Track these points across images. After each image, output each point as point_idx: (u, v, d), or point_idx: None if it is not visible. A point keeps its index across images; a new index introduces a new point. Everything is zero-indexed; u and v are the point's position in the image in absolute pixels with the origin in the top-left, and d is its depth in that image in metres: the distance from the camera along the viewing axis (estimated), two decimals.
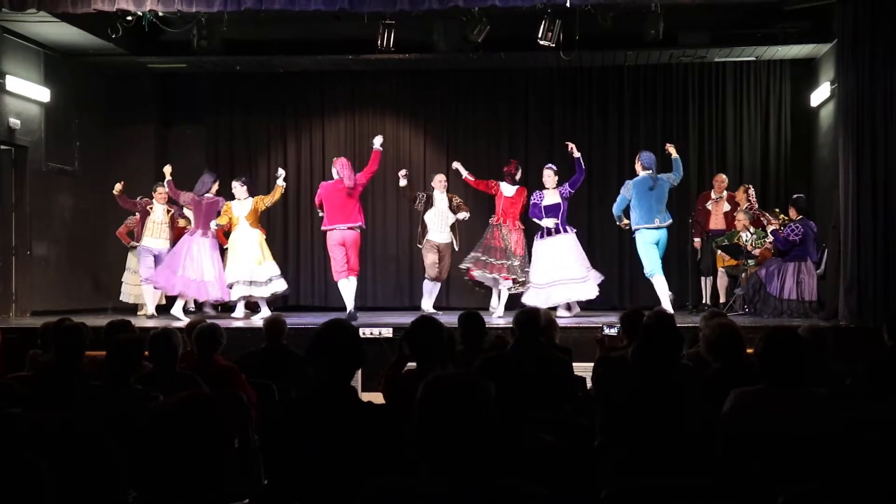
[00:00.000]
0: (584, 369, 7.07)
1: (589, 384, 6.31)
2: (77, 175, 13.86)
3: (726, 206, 12.85)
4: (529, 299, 11.41)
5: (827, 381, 5.15)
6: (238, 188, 12.28)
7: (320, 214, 12.04)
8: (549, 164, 12.21)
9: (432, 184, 12.48)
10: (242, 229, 12.10)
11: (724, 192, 12.94)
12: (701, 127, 14.39)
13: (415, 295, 14.16)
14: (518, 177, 12.21)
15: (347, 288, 11.77)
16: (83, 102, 14.06)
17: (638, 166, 11.51)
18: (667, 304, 11.07)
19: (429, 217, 12.35)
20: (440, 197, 12.37)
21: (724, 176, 13.16)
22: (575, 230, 12.07)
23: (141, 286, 12.81)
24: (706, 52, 13.36)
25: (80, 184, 13.91)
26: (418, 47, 12.93)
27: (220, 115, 15.11)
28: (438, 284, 12.50)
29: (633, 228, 11.50)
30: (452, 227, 12.43)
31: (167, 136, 15.23)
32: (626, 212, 11.64)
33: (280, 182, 12.27)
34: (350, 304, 11.71)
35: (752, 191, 12.86)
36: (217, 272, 12.00)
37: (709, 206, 12.94)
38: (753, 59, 13.73)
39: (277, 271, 12.18)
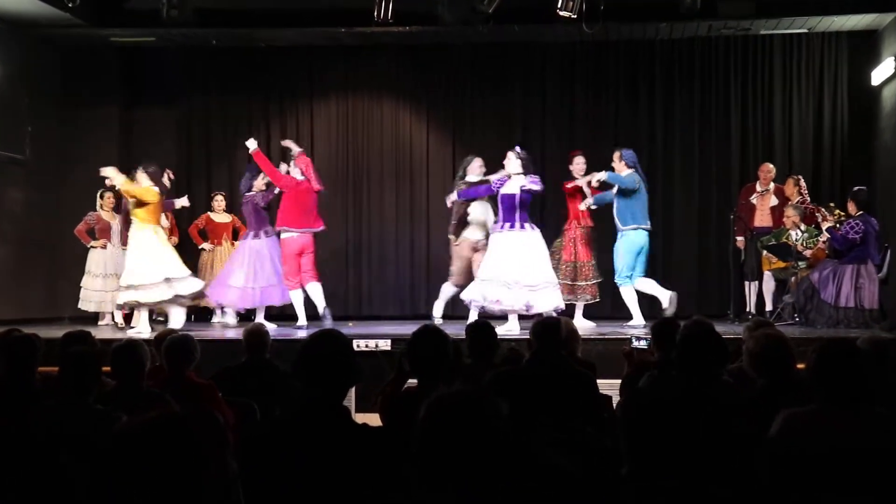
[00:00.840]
0: (609, 386, 7.05)
1: (615, 403, 6.31)
2: (28, 164, 13.87)
3: (773, 201, 12.84)
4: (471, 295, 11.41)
5: (890, 399, 5.14)
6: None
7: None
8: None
9: (468, 169, 12.30)
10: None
11: (771, 185, 12.93)
12: (744, 110, 14.38)
13: (416, 301, 14.19)
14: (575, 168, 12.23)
15: (317, 291, 12.19)
16: (35, 81, 14.07)
17: (621, 164, 11.61)
18: (638, 318, 11.49)
19: (475, 210, 12.15)
20: None
21: (770, 165, 13.14)
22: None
23: (103, 292, 12.88)
24: (750, 24, 13.36)
25: (32, 174, 13.93)
26: (421, 19, 12.95)
27: (193, 96, 15.13)
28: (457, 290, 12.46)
29: (622, 228, 11.59)
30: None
31: (133, 119, 15.24)
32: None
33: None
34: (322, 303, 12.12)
35: (803, 182, 12.84)
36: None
37: (753, 200, 12.93)
38: (805, 31, 13.73)
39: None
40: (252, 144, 12.16)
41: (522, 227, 11.32)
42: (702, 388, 4.29)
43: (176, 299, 11.73)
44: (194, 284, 11.91)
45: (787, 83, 14.33)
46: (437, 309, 12.41)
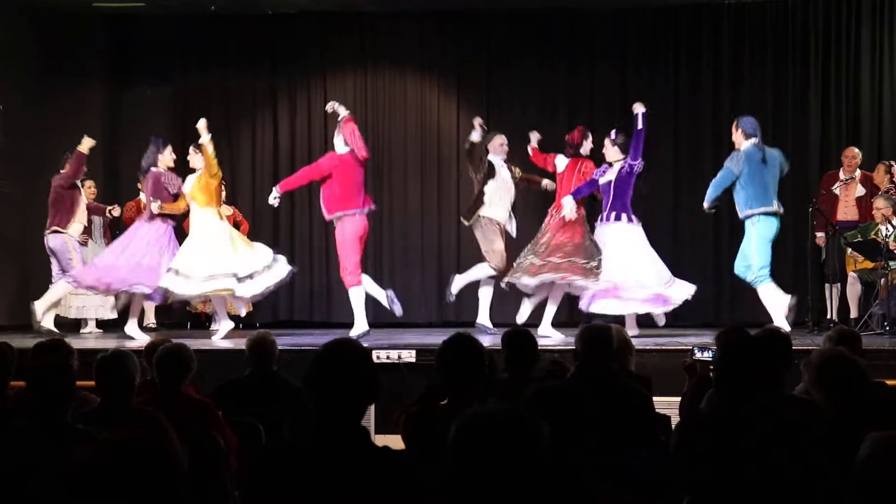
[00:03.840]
0: (668, 405, 7.04)
1: (674, 425, 6.31)
2: None
3: (860, 190, 12.79)
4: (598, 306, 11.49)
5: None
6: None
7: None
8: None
9: (488, 147, 12.25)
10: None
11: (857, 172, 12.88)
12: (825, 83, 14.32)
13: (445, 307, 14.17)
14: (584, 148, 12.17)
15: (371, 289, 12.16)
16: (8, 54, 14.17)
17: (738, 134, 11.47)
18: (781, 321, 11.03)
19: (491, 190, 12.16)
20: (501, 165, 12.25)
21: (856, 150, 13.08)
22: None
23: (84, 296, 12.94)
24: None
25: (3, 160, 14.02)
26: None
27: (189, 70, 15.21)
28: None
29: (743, 214, 11.47)
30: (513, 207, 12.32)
31: (121, 97, 15.33)
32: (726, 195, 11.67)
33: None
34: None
35: (895, 169, 12.79)
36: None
37: (836, 189, 12.88)
38: None
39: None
40: (274, 197, 12.12)
41: (619, 218, 11.70)
42: (772, 408, 4.28)
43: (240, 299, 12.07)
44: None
45: (876, 52, 14.28)
46: (485, 315, 12.36)
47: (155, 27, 14.93)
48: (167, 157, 12.21)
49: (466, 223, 12.26)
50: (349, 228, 11.83)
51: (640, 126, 11.57)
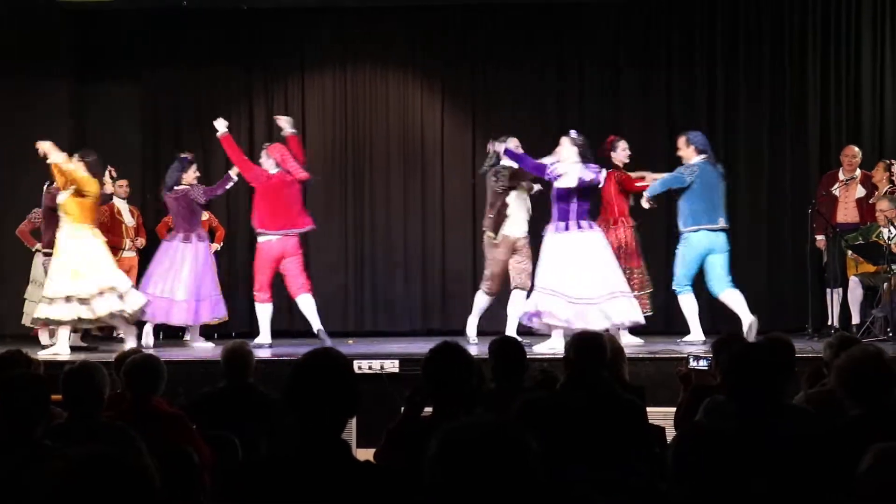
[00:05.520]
0: (662, 416, 7.05)
1: (669, 435, 6.32)
2: None
3: (860, 191, 12.82)
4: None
5: None
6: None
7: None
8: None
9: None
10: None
11: (858, 171, 12.91)
12: (824, 80, 14.34)
13: (429, 315, 14.19)
14: (616, 157, 12.17)
15: (309, 305, 12.30)
16: None
17: (690, 150, 11.72)
18: (697, 333, 11.62)
19: (514, 202, 12.03)
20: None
21: (856, 148, 13.11)
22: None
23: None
24: None
25: None
26: None
27: (159, 67, 15.15)
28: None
29: (685, 228, 11.67)
30: None
31: (87, 97, 15.28)
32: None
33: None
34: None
35: (895, 167, 12.82)
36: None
37: (835, 190, 12.90)
38: None
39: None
40: (221, 126, 12.24)
41: (580, 226, 11.43)
42: (771, 420, 4.29)
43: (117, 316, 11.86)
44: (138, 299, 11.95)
45: (877, 44, 14.28)
46: (471, 327, 12.32)
47: (124, 23, 14.88)
48: (191, 175, 12.47)
49: (494, 240, 12.02)
50: (260, 249, 12.27)
51: (515, 160, 11.58)
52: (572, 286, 11.16)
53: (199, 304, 12.42)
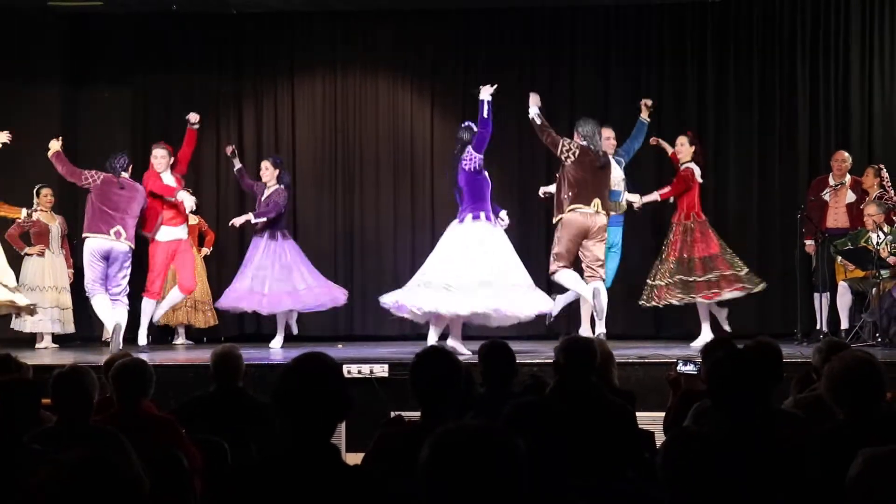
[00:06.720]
0: (652, 420, 7.05)
1: (658, 440, 6.32)
2: None
3: (850, 196, 12.82)
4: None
5: None
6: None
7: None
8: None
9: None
10: None
11: (847, 177, 12.91)
12: (814, 82, 14.36)
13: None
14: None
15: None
16: None
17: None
18: (585, 328, 11.67)
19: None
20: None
21: (845, 154, 13.11)
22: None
23: (42, 309, 12.92)
24: None
25: None
26: None
27: (150, 71, 15.15)
28: None
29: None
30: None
31: (77, 100, 15.28)
32: None
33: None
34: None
35: (885, 173, 12.82)
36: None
37: (825, 195, 12.90)
38: None
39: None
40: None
41: (477, 217, 11.37)
42: (760, 425, 4.29)
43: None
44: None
45: (866, 48, 14.30)
46: (588, 328, 12.01)
47: (114, 27, 14.88)
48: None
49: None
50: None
51: (484, 114, 11.44)
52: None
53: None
